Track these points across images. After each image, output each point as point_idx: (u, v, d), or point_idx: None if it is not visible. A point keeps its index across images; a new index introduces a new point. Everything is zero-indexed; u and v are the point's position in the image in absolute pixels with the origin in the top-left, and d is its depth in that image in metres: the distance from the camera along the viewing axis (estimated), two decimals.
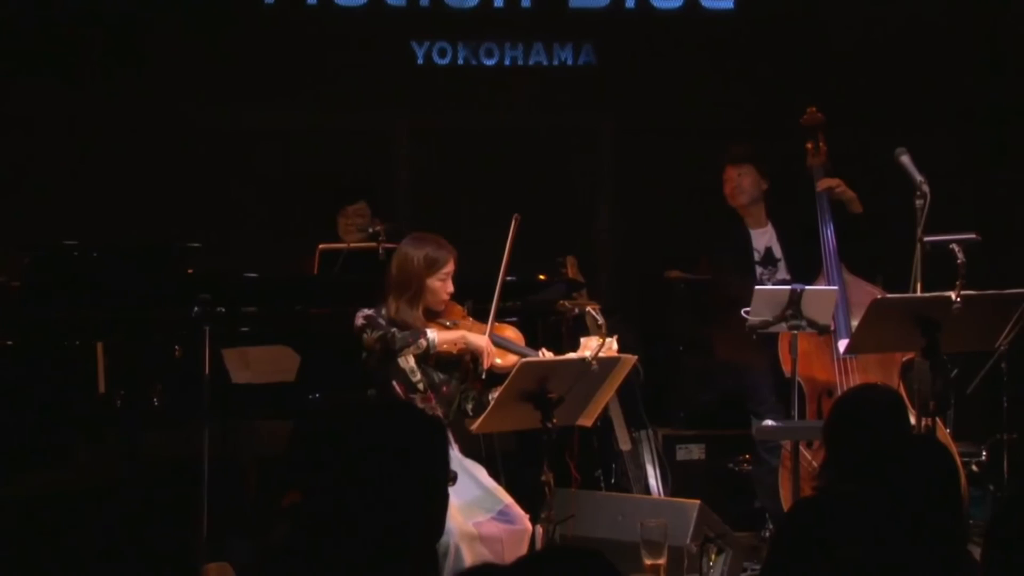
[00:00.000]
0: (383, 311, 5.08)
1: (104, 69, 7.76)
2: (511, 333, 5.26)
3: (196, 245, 5.95)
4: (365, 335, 5.04)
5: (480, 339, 5.07)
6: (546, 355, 5.11)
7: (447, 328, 5.12)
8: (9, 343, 5.48)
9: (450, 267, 5.10)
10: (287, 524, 5.53)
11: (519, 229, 5.29)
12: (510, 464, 5.90)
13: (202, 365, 5.40)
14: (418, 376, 5.07)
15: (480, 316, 5.25)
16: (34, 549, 5.38)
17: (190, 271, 5.84)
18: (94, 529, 5.55)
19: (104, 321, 5.59)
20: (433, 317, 5.13)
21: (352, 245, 6.49)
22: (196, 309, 5.36)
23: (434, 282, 5.08)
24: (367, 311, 5.08)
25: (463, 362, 5.16)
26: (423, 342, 5.00)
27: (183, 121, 7.82)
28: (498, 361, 5.11)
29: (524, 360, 4.88)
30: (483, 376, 5.10)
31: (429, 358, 5.08)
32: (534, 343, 5.35)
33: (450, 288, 5.12)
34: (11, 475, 5.33)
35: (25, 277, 5.59)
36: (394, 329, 5.01)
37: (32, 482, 5.42)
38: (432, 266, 5.07)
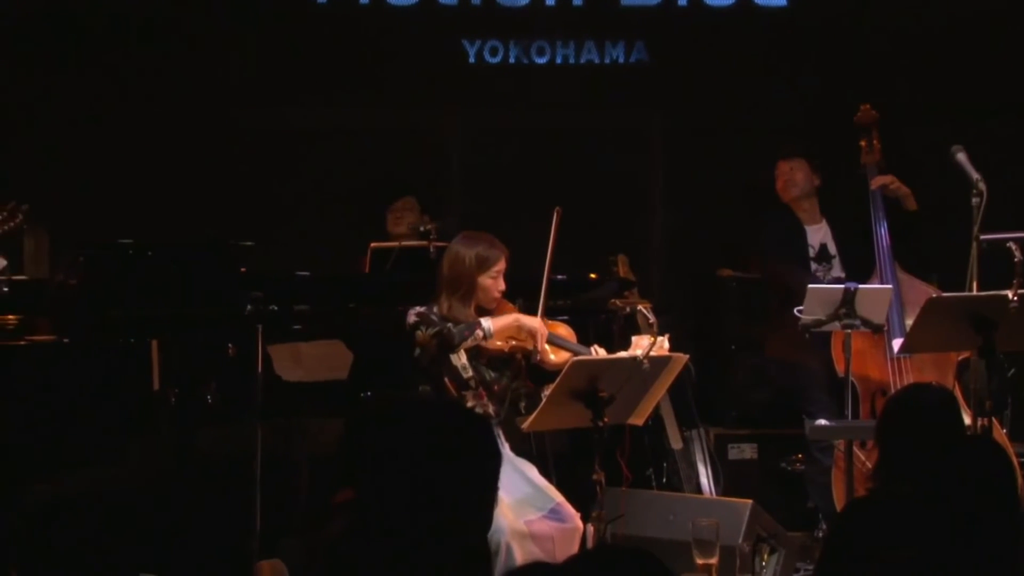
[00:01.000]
0: (435, 308, 5.08)
1: (157, 69, 7.83)
2: (564, 331, 5.25)
3: (249, 244, 5.99)
4: (418, 332, 5.05)
5: (533, 320, 5.08)
6: (599, 352, 5.11)
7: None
8: (65, 340, 5.53)
9: (501, 265, 5.11)
10: (339, 521, 5.55)
11: (561, 222, 5.28)
12: (561, 463, 5.90)
13: (255, 363, 5.44)
14: (470, 373, 5.07)
15: (531, 314, 5.25)
16: (88, 546, 5.43)
17: (243, 269, 5.88)
18: (147, 527, 5.59)
19: (158, 319, 5.62)
20: (485, 315, 5.14)
21: (403, 243, 6.51)
22: (249, 307, 5.40)
23: (485, 280, 5.08)
24: (419, 308, 5.09)
25: (515, 360, 5.16)
26: (479, 332, 5.01)
27: (236, 120, 7.87)
28: (552, 357, 5.11)
29: (575, 359, 4.88)
30: (537, 357, 5.08)
31: (481, 356, 5.09)
32: (585, 342, 5.34)
33: (501, 286, 5.12)
34: (66, 472, 5.38)
35: (81, 275, 5.64)
36: (449, 324, 5.02)
37: (86, 479, 5.46)
38: (483, 264, 5.08)
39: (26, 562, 5.23)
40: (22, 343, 5.39)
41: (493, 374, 5.12)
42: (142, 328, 5.56)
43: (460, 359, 5.06)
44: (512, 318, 5.08)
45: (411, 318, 5.08)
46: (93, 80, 7.71)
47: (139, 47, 7.80)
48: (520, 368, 5.18)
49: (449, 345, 5.02)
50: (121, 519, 5.53)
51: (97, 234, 6.26)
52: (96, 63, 7.74)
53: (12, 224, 5.48)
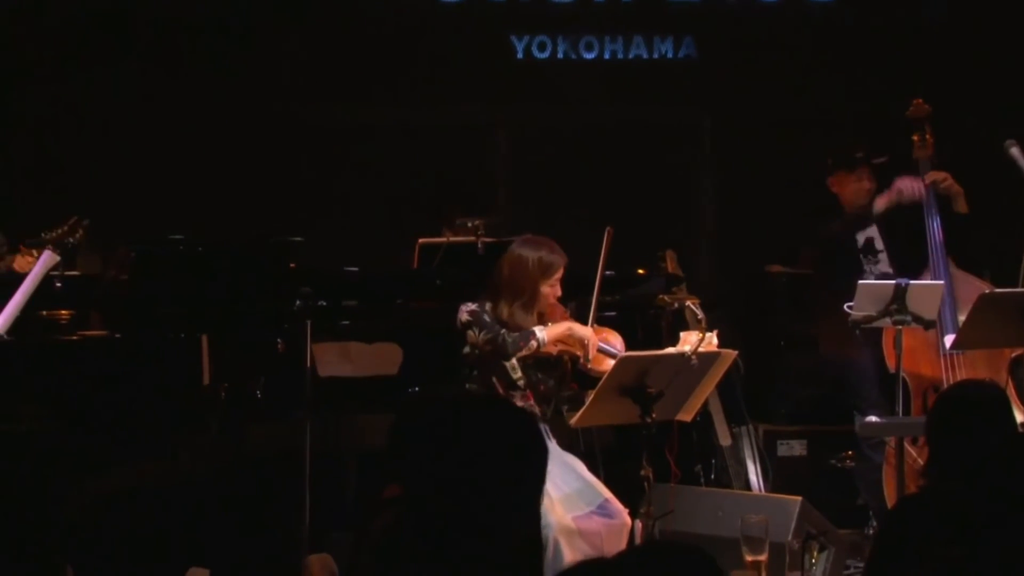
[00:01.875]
0: (487, 306, 5.05)
1: (210, 65, 7.88)
2: (615, 340, 5.20)
3: (298, 240, 6.01)
4: (471, 332, 5.01)
5: (585, 329, 5.05)
6: None
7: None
8: (117, 336, 5.57)
9: (560, 273, 5.05)
10: (387, 516, 5.56)
11: (612, 241, 5.20)
12: (609, 459, 5.88)
13: (304, 359, 5.46)
14: (519, 374, 5.05)
15: (581, 317, 5.20)
16: (138, 540, 5.47)
17: (292, 265, 5.90)
18: (198, 521, 5.62)
19: (208, 314, 5.66)
20: (539, 320, 5.11)
21: (451, 239, 6.51)
22: (298, 303, 5.42)
23: (545, 287, 5.03)
24: (471, 306, 5.05)
25: (562, 363, 5.12)
26: (533, 343, 4.96)
27: (286, 118, 7.91)
28: (601, 365, 5.06)
29: (623, 355, 4.87)
30: (589, 363, 5.05)
31: (529, 357, 5.07)
32: (633, 337, 5.32)
33: (558, 292, 5.07)
34: (117, 466, 5.41)
35: (133, 271, 5.69)
36: (503, 331, 4.98)
37: (137, 473, 5.50)
38: (546, 271, 5.01)
39: (79, 556, 5.27)
40: (75, 338, 5.44)
41: (540, 375, 5.09)
42: (192, 323, 5.59)
43: (511, 360, 5.04)
44: (565, 327, 5.03)
45: (463, 316, 5.04)
46: (146, 77, 7.77)
47: (193, 44, 7.86)
48: (567, 372, 5.15)
49: (503, 354, 4.97)
50: (171, 514, 5.57)
51: (149, 230, 6.30)
52: (149, 57, 7.80)
53: (74, 238, 5.55)
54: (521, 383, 5.05)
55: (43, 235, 5.51)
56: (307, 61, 7.94)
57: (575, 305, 5.25)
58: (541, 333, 4.97)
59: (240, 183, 7.77)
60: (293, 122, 7.91)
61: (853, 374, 6.40)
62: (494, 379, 5.05)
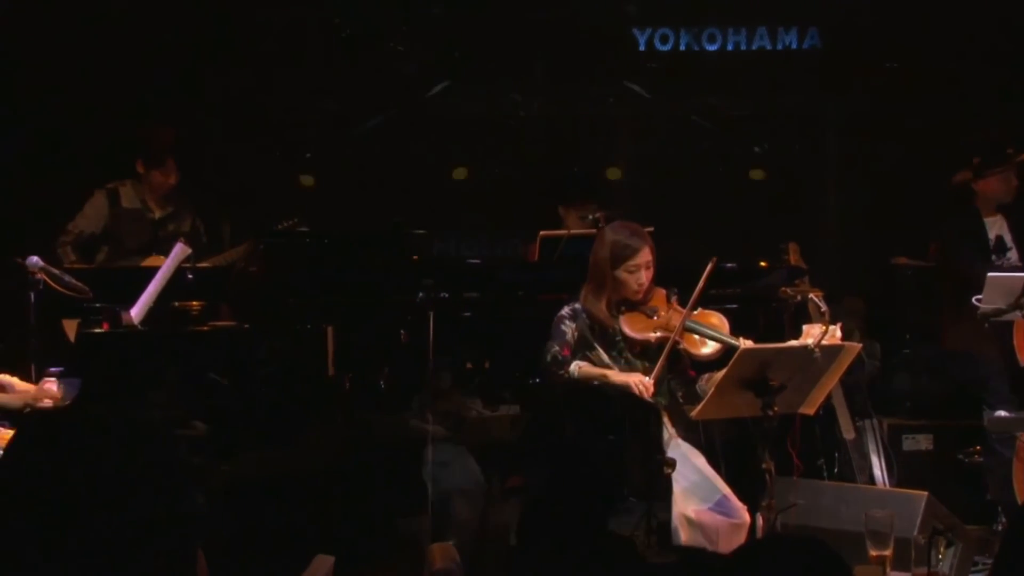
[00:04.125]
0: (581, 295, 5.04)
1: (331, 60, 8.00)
2: (715, 320, 5.12)
3: (422, 232, 6.08)
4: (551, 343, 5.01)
5: (624, 376, 4.89)
6: (744, 344, 4.94)
7: (632, 336, 5.00)
8: (246, 326, 5.68)
9: (641, 259, 4.96)
10: (510, 505, 5.61)
11: (713, 271, 5.03)
12: (730, 452, 5.86)
13: (427, 349, 5.52)
14: (606, 360, 4.99)
15: (684, 306, 5.13)
16: (263, 527, 5.56)
17: (415, 257, 5.96)
18: (322, 509, 5.70)
19: (334, 306, 5.74)
20: (632, 307, 5.04)
21: (572, 232, 6.52)
22: (421, 294, 5.48)
23: (622, 273, 4.98)
24: (574, 305, 5.05)
25: (663, 349, 5.04)
26: (564, 373, 4.91)
27: (411, 107, 8.00)
28: (701, 350, 5.01)
29: (744, 348, 4.83)
30: (682, 345, 4.98)
31: (635, 346, 5.03)
32: (755, 331, 5.27)
33: (642, 280, 4.99)
34: (245, 454, 5.52)
35: (261, 263, 5.80)
36: (556, 349, 4.95)
37: (264, 462, 5.60)
38: (619, 257, 4.96)
39: (208, 544, 5.39)
40: (206, 328, 5.56)
41: (647, 364, 5.04)
42: (318, 314, 5.68)
43: (601, 357, 5.01)
44: (599, 372, 4.92)
45: (562, 312, 5.03)
46: (270, 76, 7.91)
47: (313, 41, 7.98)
48: (676, 358, 5.07)
49: (541, 366, 4.96)
50: (296, 501, 5.65)
51: (276, 223, 6.40)
52: (277, 58, 7.94)
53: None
54: (613, 369, 4.99)
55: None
56: (431, 52, 8.02)
57: (677, 292, 5.12)
58: (574, 368, 4.92)
59: (366, 175, 7.87)
60: (418, 113, 8.00)
61: (981, 368, 6.29)
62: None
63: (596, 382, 4.90)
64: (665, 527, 4.73)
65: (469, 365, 5.97)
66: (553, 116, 8.08)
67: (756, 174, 7.94)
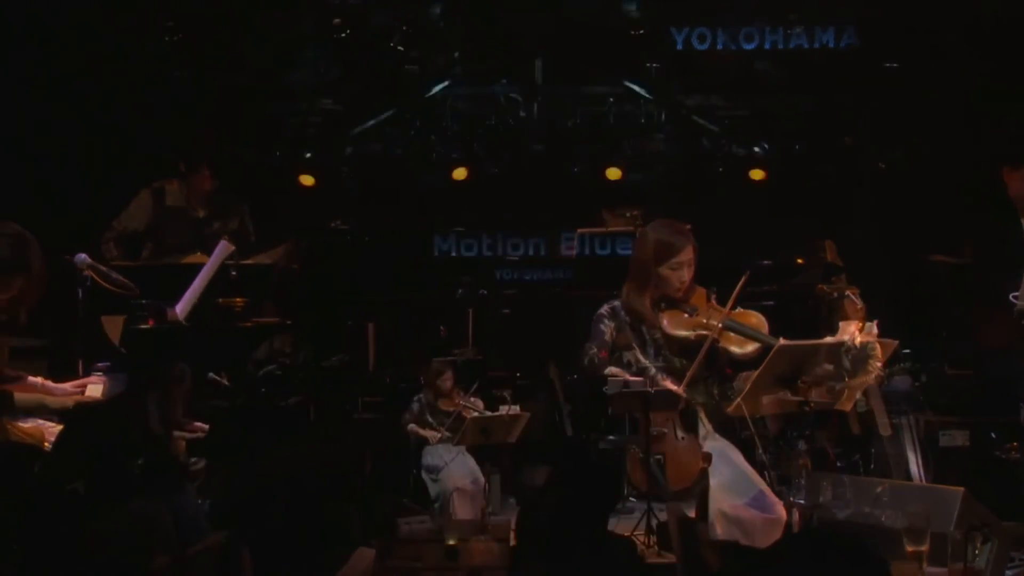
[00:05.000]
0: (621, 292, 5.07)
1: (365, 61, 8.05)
2: (754, 319, 5.14)
3: (460, 229, 6.12)
4: (588, 344, 5.05)
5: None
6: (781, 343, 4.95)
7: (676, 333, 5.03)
8: (288, 323, 5.75)
9: (684, 256, 4.98)
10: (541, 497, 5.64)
11: (746, 284, 4.97)
12: (766, 447, 5.88)
13: (465, 345, 5.57)
14: (644, 363, 5.02)
15: (722, 305, 5.16)
16: (308, 520, 5.61)
17: (454, 254, 6.01)
18: (364, 501, 5.76)
19: (375, 302, 5.79)
20: (672, 304, 5.06)
21: (610, 229, 6.55)
22: (460, 291, 5.52)
23: (665, 270, 4.99)
24: (614, 303, 5.07)
25: (702, 346, 5.07)
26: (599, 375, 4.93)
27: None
28: (738, 349, 5.04)
29: (781, 344, 4.85)
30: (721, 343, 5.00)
31: (672, 345, 5.06)
32: (791, 327, 5.29)
33: (684, 277, 5.01)
34: (285, 448, 5.56)
35: (303, 261, 5.85)
36: (593, 351, 4.98)
37: (305, 455, 5.64)
38: (663, 254, 4.98)
39: (251, 538, 5.44)
40: (249, 325, 5.63)
41: (684, 362, 5.05)
42: (359, 311, 5.73)
43: (639, 357, 5.04)
44: (623, 381, 4.92)
45: (601, 311, 5.07)
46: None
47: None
48: (714, 356, 5.09)
49: (579, 362, 4.99)
50: (338, 495, 5.70)
51: (318, 221, 6.45)
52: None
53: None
54: (650, 369, 5.02)
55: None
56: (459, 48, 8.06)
57: (716, 292, 5.15)
58: (611, 378, 4.92)
59: (401, 173, 7.92)
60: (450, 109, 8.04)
61: (1018, 365, 6.29)
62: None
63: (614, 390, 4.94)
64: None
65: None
66: (553, 116, 8.08)
67: (794, 169, 7.94)
